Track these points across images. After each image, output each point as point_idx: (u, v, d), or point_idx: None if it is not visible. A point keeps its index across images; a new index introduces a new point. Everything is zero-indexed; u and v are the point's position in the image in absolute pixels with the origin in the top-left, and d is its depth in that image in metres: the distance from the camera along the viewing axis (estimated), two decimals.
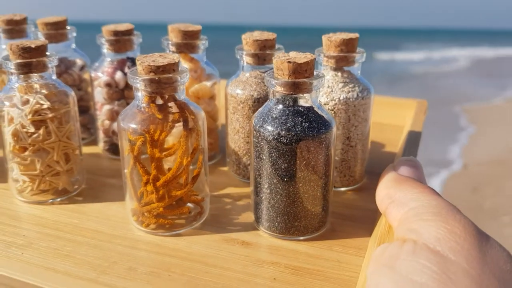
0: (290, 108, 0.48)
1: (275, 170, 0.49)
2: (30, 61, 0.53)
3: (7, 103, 0.55)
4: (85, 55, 0.75)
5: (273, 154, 0.48)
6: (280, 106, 0.49)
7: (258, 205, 0.52)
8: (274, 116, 0.48)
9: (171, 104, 0.50)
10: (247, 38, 0.59)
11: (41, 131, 0.55)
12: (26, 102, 0.55)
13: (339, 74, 0.58)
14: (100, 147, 0.72)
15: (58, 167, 0.57)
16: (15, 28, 0.74)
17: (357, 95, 0.57)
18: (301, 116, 0.48)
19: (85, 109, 0.75)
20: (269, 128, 0.48)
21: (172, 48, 0.63)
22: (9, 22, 0.74)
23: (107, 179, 0.64)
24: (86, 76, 0.74)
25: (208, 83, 0.65)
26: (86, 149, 0.73)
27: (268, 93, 0.59)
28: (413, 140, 0.65)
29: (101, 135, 0.70)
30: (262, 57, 0.59)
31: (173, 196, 0.51)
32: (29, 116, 0.54)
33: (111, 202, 0.58)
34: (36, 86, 0.56)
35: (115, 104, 0.66)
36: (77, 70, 0.72)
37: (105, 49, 0.67)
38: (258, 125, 0.49)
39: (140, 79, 0.47)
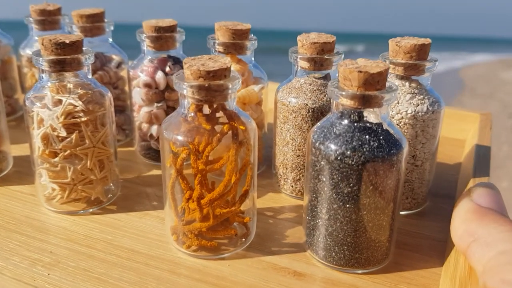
0: (356, 124, 0.42)
1: (336, 194, 0.42)
2: (64, 58, 0.48)
3: (37, 103, 0.51)
4: (123, 51, 0.70)
5: (335, 176, 0.42)
6: (345, 121, 0.42)
7: (313, 230, 0.46)
8: (337, 132, 0.42)
9: (219, 113, 0.44)
10: (303, 40, 0.52)
11: (73, 136, 0.50)
12: (58, 102, 0.50)
13: (407, 84, 0.51)
14: (136, 150, 0.67)
15: (92, 175, 0.52)
16: (48, 19, 0.70)
17: (427, 108, 0.50)
18: (369, 134, 0.42)
19: (121, 109, 0.70)
20: (332, 146, 0.42)
21: (219, 48, 0.57)
22: (42, 12, 0.70)
23: (144, 187, 0.59)
24: (123, 73, 0.69)
25: (256, 88, 0.59)
26: (120, 152, 0.68)
27: (328, 104, 0.53)
28: (482, 157, 0.58)
29: (137, 138, 0.65)
30: (319, 62, 0.52)
31: (219, 216, 0.46)
32: (61, 119, 0.49)
33: (148, 215, 0.53)
34: (70, 85, 0.51)
35: (154, 106, 0.61)
36: (113, 67, 0.67)
37: (145, 46, 0.61)
38: (318, 141, 0.43)
39: (187, 85, 0.41)
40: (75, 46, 0.49)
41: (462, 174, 0.61)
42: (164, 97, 0.61)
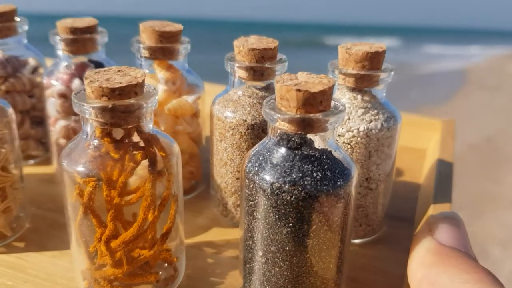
0: (297, 151, 0.35)
1: (273, 234, 0.35)
2: None
3: None
4: (40, 53, 0.60)
5: (272, 214, 0.35)
6: (283, 149, 0.35)
7: (250, 274, 0.39)
8: (274, 161, 0.35)
9: (133, 137, 0.37)
10: (240, 46, 0.45)
11: None
12: None
13: (359, 97, 0.45)
14: (54, 168, 0.58)
15: None
16: None
17: (381, 125, 0.44)
18: (312, 163, 0.35)
19: (39, 120, 0.61)
20: (267, 177, 0.34)
21: (145, 53, 0.49)
22: None
23: (59, 215, 0.51)
24: (39, 79, 0.60)
25: (189, 98, 0.51)
26: (38, 170, 0.59)
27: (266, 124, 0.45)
28: (444, 177, 0.52)
29: (55, 155, 0.56)
30: (259, 71, 0.45)
31: (135, 260, 0.38)
32: None
33: (61, 254, 0.45)
34: None
35: (72, 119, 0.53)
36: (28, 73, 0.58)
37: (61, 50, 0.53)
38: (252, 171, 0.36)
39: (90, 107, 0.33)
40: None
41: (423, 193, 0.55)
42: None
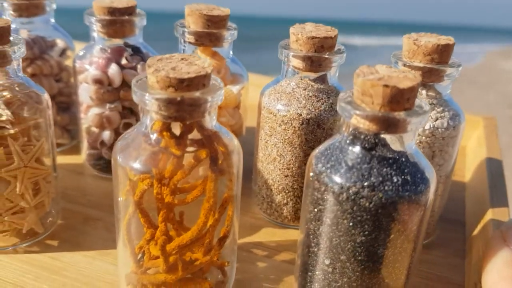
0: (374, 152, 0.32)
1: (345, 242, 0.33)
2: None
3: None
4: (68, 35, 0.57)
5: (346, 221, 0.32)
6: (357, 149, 0.32)
7: (310, 283, 0.36)
8: (349, 163, 0.32)
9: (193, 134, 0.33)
10: (298, 34, 0.41)
11: None
12: None
13: (424, 92, 0.42)
14: (83, 159, 0.55)
15: (23, 202, 0.40)
16: None
17: (448, 123, 0.41)
18: (391, 166, 0.32)
19: (66, 106, 0.57)
20: (342, 181, 0.31)
21: (190, 38, 0.46)
22: None
23: (92, 210, 0.48)
24: (68, 62, 0.56)
25: (234, 88, 0.48)
26: (64, 160, 0.55)
27: (327, 114, 0.42)
28: (496, 177, 0.50)
29: (85, 145, 0.53)
30: (317, 61, 0.42)
31: (191, 266, 0.35)
32: None
33: (97, 254, 0.42)
34: None
35: (107, 107, 0.49)
36: (56, 55, 0.54)
37: (96, 32, 0.49)
38: (324, 173, 0.33)
39: (152, 98, 0.30)
40: (0, 35, 0.36)
41: (472, 193, 0.53)
42: (119, 97, 0.49)
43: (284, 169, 0.44)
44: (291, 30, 0.43)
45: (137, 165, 0.33)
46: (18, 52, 0.38)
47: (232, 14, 0.47)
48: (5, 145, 0.38)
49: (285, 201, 0.46)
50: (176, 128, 0.33)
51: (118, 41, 0.50)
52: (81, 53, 0.51)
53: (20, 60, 0.39)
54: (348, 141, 0.33)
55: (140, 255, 0.37)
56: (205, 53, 0.47)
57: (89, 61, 0.49)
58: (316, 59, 0.42)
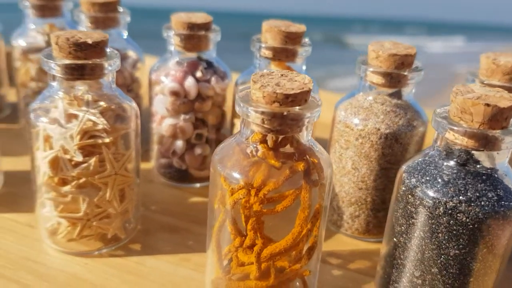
0: (468, 168, 0.33)
1: (438, 255, 0.33)
2: (85, 63, 0.38)
3: (43, 118, 0.40)
4: (138, 47, 0.59)
5: (440, 234, 0.33)
6: (451, 164, 0.33)
7: None
8: (445, 178, 0.33)
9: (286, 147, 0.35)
10: (379, 51, 0.43)
11: (92, 161, 0.39)
12: (72, 118, 0.39)
13: None
14: (153, 167, 0.56)
15: (111, 208, 0.42)
16: (49, 5, 0.58)
17: None
18: (484, 182, 0.33)
19: None
20: (438, 195, 0.32)
21: (266, 53, 0.47)
22: None
23: (167, 217, 0.49)
24: (138, 74, 0.58)
25: None
26: None
27: (405, 129, 0.43)
28: None
29: (156, 154, 0.55)
30: (397, 77, 0.43)
31: (283, 274, 0.36)
32: (77, 139, 0.39)
33: (179, 258, 0.43)
34: (88, 96, 0.40)
35: (181, 118, 0.51)
36: (129, 67, 0.56)
37: (173, 45, 0.51)
38: (419, 187, 0.33)
39: (257, 111, 0.31)
40: (99, 48, 0.38)
41: None
42: (193, 108, 0.51)
43: (359, 182, 0.45)
44: (371, 47, 0.44)
45: (236, 174, 0.34)
46: (113, 65, 0.39)
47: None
48: (98, 153, 0.40)
49: (357, 213, 0.46)
50: (269, 141, 0.34)
51: (192, 55, 0.51)
52: (156, 66, 0.53)
53: (114, 73, 0.41)
54: (442, 157, 0.34)
55: (226, 262, 0.38)
56: (280, 68, 0.48)
57: (165, 73, 0.51)
58: (396, 75, 0.43)
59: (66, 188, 0.40)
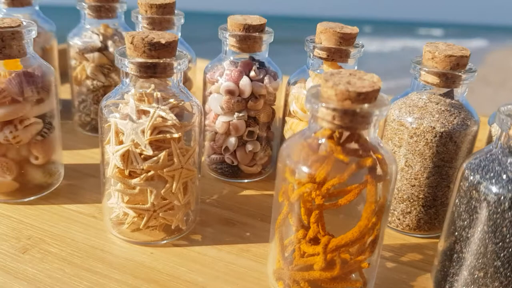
0: None
1: (501, 249, 0.34)
2: (158, 62, 0.40)
3: (115, 114, 0.42)
4: (190, 48, 0.61)
5: (505, 228, 0.34)
6: None
7: (454, 285, 0.38)
8: (510, 174, 0.34)
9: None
10: (435, 52, 0.44)
11: (162, 155, 0.41)
12: (142, 114, 0.42)
13: None
14: (203, 162, 0.58)
15: (175, 200, 0.44)
16: (105, 6, 0.61)
17: None
18: None
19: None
20: (503, 191, 0.34)
21: (320, 54, 0.49)
22: None
23: (222, 210, 0.51)
24: (189, 73, 0.60)
25: None
26: None
27: (459, 128, 0.45)
28: None
29: (207, 149, 0.57)
30: (451, 78, 0.44)
31: (347, 265, 0.38)
32: (148, 134, 0.41)
33: (239, 250, 0.45)
34: (157, 94, 0.42)
35: (235, 116, 0.53)
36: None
37: (227, 46, 0.53)
38: (482, 183, 0.35)
39: (329, 108, 0.33)
40: (171, 48, 0.40)
41: None
42: (246, 106, 0.53)
43: (412, 179, 0.46)
44: (426, 48, 0.45)
45: (304, 168, 0.36)
46: (182, 65, 0.41)
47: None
48: (166, 147, 0.42)
49: (408, 209, 0.48)
50: (337, 137, 0.36)
51: (245, 55, 0.53)
52: (210, 66, 0.55)
53: (182, 72, 0.43)
54: (505, 153, 0.35)
55: (288, 253, 0.40)
56: (333, 67, 0.50)
57: (219, 73, 0.53)
58: (451, 76, 0.44)
59: (135, 180, 0.42)
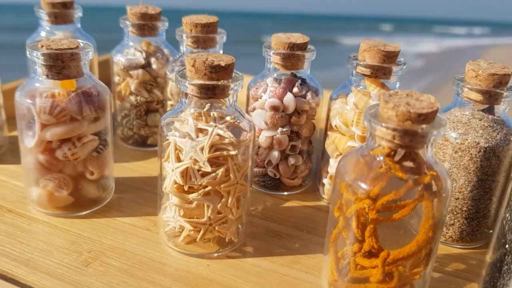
0: None
1: None
2: (217, 83, 0.42)
3: (174, 132, 0.44)
4: None
5: None
6: None
7: None
8: None
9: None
10: (478, 70, 0.46)
11: (220, 171, 0.43)
12: (199, 132, 0.44)
13: None
14: None
15: (230, 214, 0.46)
16: (148, 24, 0.63)
17: None
18: None
19: None
20: None
21: (364, 71, 0.51)
22: (143, 16, 0.62)
23: (269, 222, 0.53)
24: None
25: None
26: None
27: (502, 143, 0.46)
28: None
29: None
30: (494, 95, 0.46)
31: (404, 277, 0.39)
32: (206, 152, 0.43)
33: (291, 262, 0.47)
34: (214, 113, 0.44)
35: (278, 131, 0.54)
36: None
37: (272, 63, 0.55)
38: None
39: (389, 127, 0.35)
40: (229, 70, 0.42)
41: None
42: (289, 121, 0.55)
43: (456, 192, 0.48)
44: (469, 66, 0.47)
45: (362, 185, 0.37)
46: (238, 86, 0.43)
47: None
48: (223, 164, 0.44)
49: (451, 222, 0.49)
50: (396, 155, 0.38)
51: (286, 72, 0.55)
52: (252, 82, 0.57)
53: (237, 93, 0.45)
54: None
55: (344, 267, 0.42)
56: (375, 84, 0.51)
57: (262, 89, 0.55)
58: (494, 93, 0.46)
59: (193, 195, 0.44)
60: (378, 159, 0.38)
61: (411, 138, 0.35)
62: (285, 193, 0.59)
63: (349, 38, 7.89)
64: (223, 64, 0.42)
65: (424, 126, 0.35)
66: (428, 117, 0.35)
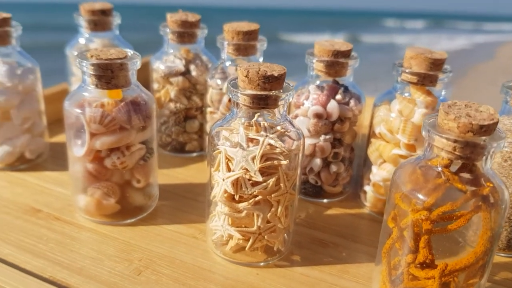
0: None
1: None
2: (269, 94, 0.42)
3: (225, 141, 0.44)
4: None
5: None
6: None
7: None
8: None
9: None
10: None
11: (271, 181, 0.43)
12: (249, 142, 0.44)
13: None
14: None
15: (279, 223, 0.46)
16: (188, 32, 0.63)
17: None
18: None
19: None
20: None
21: (411, 78, 0.50)
22: (183, 24, 0.63)
23: (313, 231, 0.53)
24: None
25: None
26: None
27: None
28: None
29: None
30: None
31: (460, 287, 0.39)
32: (258, 161, 0.43)
33: (336, 269, 0.47)
34: (264, 123, 0.44)
35: (321, 138, 0.54)
36: None
37: (315, 70, 0.55)
38: None
39: (450, 138, 0.35)
40: (281, 80, 0.42)
41: None
42: (332, 129, 0.55)
43: None
44: None
45: (420, 195, 0.37)
46: (289, 96, 0.43)
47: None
48: (273, 173, 0.44)
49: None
50: (455, 166, 0.38)
51: (328, 79, 0.55)
52: (295, 89, 0.57)
53: (287, 104, 0.45)
54: None
55: (397, 278, 0.42)
56: (421, 91, 0.51)
57: (305, 96, 0.55)
58: None
59: (243, 204, 0.44)
60: (436, 169, 0.37)
61: (472, 149, 0.35)
62: (325, 200, 0.59)
63: (371, 35, 7.88)
64: (276, 75, 0.42)
65: (485, 138, 0.35)
66: (489, 129, 0.35)
